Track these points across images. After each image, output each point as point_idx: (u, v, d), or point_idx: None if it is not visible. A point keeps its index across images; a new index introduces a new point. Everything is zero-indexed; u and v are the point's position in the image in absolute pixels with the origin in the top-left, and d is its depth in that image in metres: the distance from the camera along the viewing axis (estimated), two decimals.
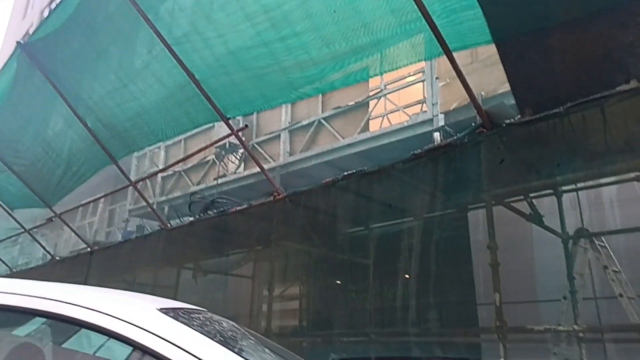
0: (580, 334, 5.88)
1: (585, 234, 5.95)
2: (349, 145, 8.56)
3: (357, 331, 7.88)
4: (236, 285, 11.94)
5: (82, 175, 10.45)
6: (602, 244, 5.96)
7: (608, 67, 4.10)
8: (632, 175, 5.45)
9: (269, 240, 7.86)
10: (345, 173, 6.69)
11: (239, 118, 9.84)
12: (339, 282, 10.03)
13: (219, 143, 10.23)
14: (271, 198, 7.58)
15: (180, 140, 13.73)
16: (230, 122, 7.54)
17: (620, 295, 5.64)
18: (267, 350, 2.18)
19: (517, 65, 4.47)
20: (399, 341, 7.18)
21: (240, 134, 8.26)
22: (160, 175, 13.88)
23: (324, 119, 9.71)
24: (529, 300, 7.25)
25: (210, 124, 10.51)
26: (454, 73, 4.90)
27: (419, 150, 5.69)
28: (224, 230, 9.17)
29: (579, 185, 6.16)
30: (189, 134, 12.19)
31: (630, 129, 4.32)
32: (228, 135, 8.15)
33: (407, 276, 7.45)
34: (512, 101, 4.79)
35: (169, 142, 13.97)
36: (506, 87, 4.80)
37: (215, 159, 12.29)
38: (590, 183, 6.17)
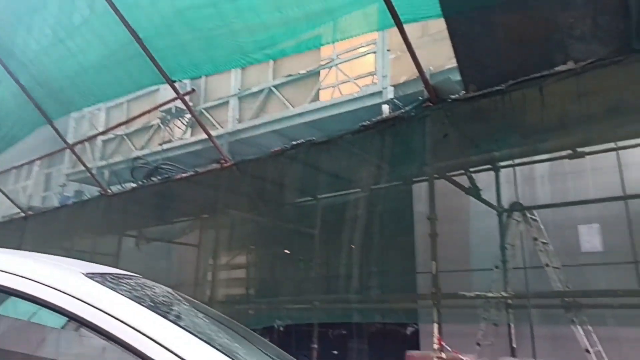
0: (509, 301, 6.31)
1: (519, 207, 6.29)
2: (299, 115, 8.48)
3: (302, 298, 8.02)
4: (181, 254, 11.78)
5: (14, 136, 9.80)
6: (533, 217, 6.33)
7: (548, 47, 4.26)
8: (564, 153, 5.77)
9: (215, 209, 7.76)
10: (294, 142, 6.66)
11: (186, 82, 9.46)
12: (285, 251, 10.12)
13: (164, 107, 9.84)
14: (218, 166, 7.44)
15: (123, 103, 13.08)
16: (176, 85, 7.25)
17: (547, 265, 6.06)
18: (201, 315, 2.16)
19: (464, 41, 4.54)
20: (341, 308, 7.39)
21: (187, 98, 7.97)
22: (100, 138, 13.21)
23: (275, 86, 9.53)
24: (464, 269, 7.65)
25: (155, 87, 10.05)
26: (404, 46, 4.93)
27: (368, 122, 5.73)
28: (168, 197, 8.94)
29: (516, 161, 6.48)
30: (132, 96, 11.63)
31: (564, 109, 4.54)
32: (174, 99, 7.85)
33: (352, 246, 7.63)
34: (459, 77, 4.89)
35: (110, 104, 13.27)
36: (453, 62, 4.88)
37: (160, 124, 11.82)
38: (526, 159, 6.51)
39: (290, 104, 9.20)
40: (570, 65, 4.19)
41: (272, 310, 8.05)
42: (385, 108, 7.08)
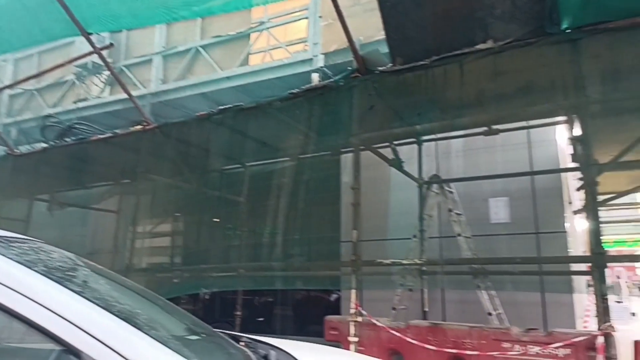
0: (423, 268, 6.67)
1: (438, 180, 6.59)
2: (228, 78, 8.17)
3: (228, 266, 7.96)
4: (99, 220, 11.19)
5: None
6: (450, 189, 6.67)
7: (471, 25, 4.39)
8: (480, 129, 6.07)
9: (136, 173, 7.38)
10: (222, 107, 6.45)
11: (105, 35, 8.75)
12: (211, 218, 9.93)
13: (79, 61, 9.05)
14: (140, 128, 7.05)
15: (34, 55, 11.90)
16: (93, 38, 6.67)
17: (459, 235, 6.46)
18: (103, 282, 2.05)
19: (393, 14, 4.56)
20: (266, 275, 7.44)
21: (105, 53, 7.37)
22: (7, 92, 11.98)
23: (202, 47, 9.07)
24: (385, 238, 7.96)
25: (70, 39, 9.23)
26: (336, 14, 4.86)
27: (297, 90, 5.66)
28: (84, 159, 8.37)
29: (433, 135, 6.75)
30: (43, 47, 10.61)
31: (481, 86, 4.75)
32: (90, 53, 7.22)
33: (279, 214, 7.65)
34: (387, 49, 4.93)
35: (19, 55, 12.03)
36: (383, 34, 4.91)
37: (75, 80, 10.89)
38: (446, 134, 6.79)
39: (219, 67, 8.84)
40: (489, 44, 4.36)
41: (198, 278, 7.92)
42: (315, 76, 7.02)
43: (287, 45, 8.12)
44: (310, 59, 7.36)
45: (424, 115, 5.31)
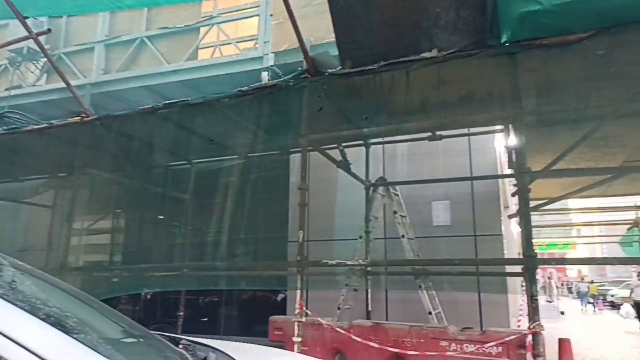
0: (368, 268, 6.80)
1: (384, 182, 6.74)
2: (174, 72, 7.93)
3: (171, 265, 7.73)
4: (32, 215, 10.54)
5: None
6: (395, 192, 6.84)
7: (417, 33, 4.53)
8: (425, 135, 6.27)
9: (74, 167, 7.01)
10: (167, 101, 6.26)
11: (43, 20, 8.25)
12: (154, 216, 9.61)
13: (13, 46, 8.48)
14: (78, 119, 6.69)
15: None
16: (29, 22, 6.26)
17: (403, 236, 6.63)
18: (29, 283, 1.93)
19: (342, 17, 4.62)
20: (211, 275, 7.30)
21: (42, 39, 6.94)
22: None
23: (148, 38, 8.75)
24: (332, 238, 8.05)
25: (4, 22, 8.63)
26: (287, 13, 4.85)
27: (246, 88, 5.59)
28: (16, 151, 7.84)
29: (380, 139, 6.91)
30: None
31: (426, 93, 4.91)
32: (25, 38, 6.77)
33: (225, 213, 7.53)
34: (337, 52, 4.99)
35: None
36: (333, 37, 4.96)
37: (8, 65, 10.19)
38: (391, 138, 6.96)
39: (165, 60, 8.57)
40: (434, 53, 4.51)
41: (139, 278, 7.63)
42: (265, 75, 6.98)
43: (237, 42, 8.01)
44: (261, 57, 7.30)
45: (372, 119, 5.41)
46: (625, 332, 13.57)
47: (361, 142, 6.72)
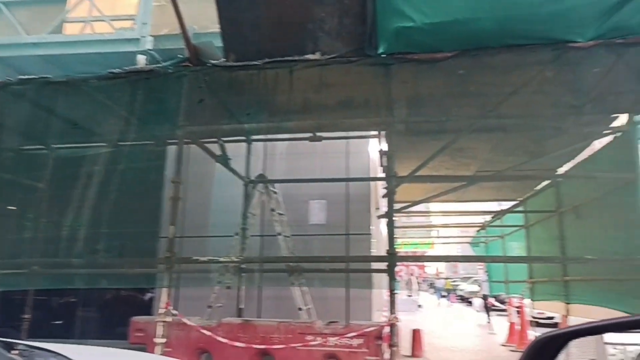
0: (242, 265, 6.74)
1: (263, 179, 6.74)
2: (35, 45, 6.98)
3: (17, 262, 6.80)
4: None
5: None
6: (274, 189, 6.88)
7: (302, 35, 4.61)
8: (305, 135, 6.40)
9: None
10: (24, 77, 5.53)
11: None
12: (1, 206, 8.38)
13: None
14: None
15: None
16: None
17: (279, 234, 6.70)
18: None
19: (228, 8, 4.51)
20: (66, 273, 6.59)
21: None
22: None
23: (4, 3, 7.59)
24: (209, 235, 7.82)
25: None
26: None
27: (119, 70, 5.17)
28: None
29: (261, 136, 6.91)
30: None
31: (308, 95, 5.02)
32: None
33: (88, 205, 6.85)
34: (221, 44, 4.85)
35: None
36: (218, 27, 4.81)
37: None
38: (273, 135, 7.00)
39: (24, 30, 7.52)
40: (317, 55, 4.63)
41: None
42: (141, 58, 6.51)
43: (111, 20, 7.33)
44: (137, 39, 6.79)
45: (254, 115, 5.38)
46: (474, 324, 15.39)
47: (242, 137, 6.63)
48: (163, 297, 4.45)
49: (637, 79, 5.12)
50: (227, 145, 6.15)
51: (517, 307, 10.63)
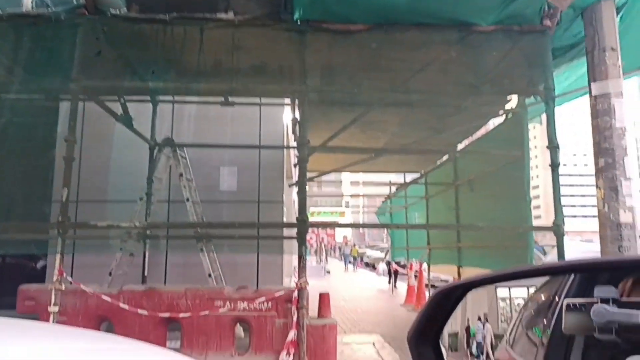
0: (147, 232, 6.46)
1: (171, 143, 6.43)
2: None
3: None
4: None
5: None
6: (182, 154, 6.61)
7: None
8: (217, 99, 6.18)
9: None
10: None
11: None
12: None
13: None
14: None
15: None
16: None
17: (187, 200, 6.48)
18: None
19: None
20: None
21: None
22: None
23: None
24: (109, 199, 7.35)
25: None
26: None
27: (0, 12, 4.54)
28: None
29: (168, 97, 6.56)
30: None
31: (220, 57, 4.82)
32: None
33: None
34: None
35: None
36: None
37: None
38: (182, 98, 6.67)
39: None
40: (230, 15, 4.43)
41: None
42: (28, 1, 5.77)
43: None
44: None
45: (160, 74, 5.04)
46: (377, 288, 16.34)
47: (147, 97, 6.23)
48: (56, 263, 4.14)
49: (529, 65, 5.61)
50: (132, 106, 5.75)
51: (416, 271, 11.49)
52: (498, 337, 1.51)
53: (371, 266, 28.73)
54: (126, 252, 6.29)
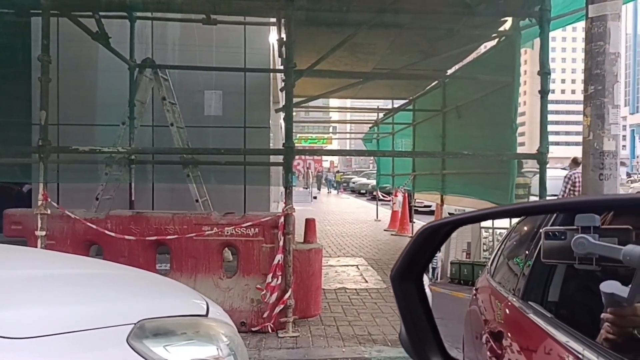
0: (132, 157, 6.38)
1: (151, 64, 6.15)
2: None
3: None
4: None
5: None
6: (164, 76, 6.36)
7: None
8: (199, 17, 5.84)
9: None
10: None
11: None
12: None
13: None
14: None
15: None
16: None
17: (172, 125, 6.34)
18: None
19: None
20: None
21: None
22: None
23: None
24: (90, 123, 7.18)
25: None
26: None
27: None
28: None
29: (149, 14, 6.18)
30: None
31: None
32: None
33: None
34: None
35: None
36: None
37: None
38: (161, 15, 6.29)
39: None
40: None
41: None
42: None
43: None
44: None
45: None
46: (363, 213, 16.73)
47: (124, 14, 5.85)
48: (40, 189, 4.09)
49: None
50: (113, 25, 5.41)
51: (401, 198, 11.75)
52: (480, 266, 1.54)
53: (358, 192, 29.30)
54: (111, 178, 6.24)
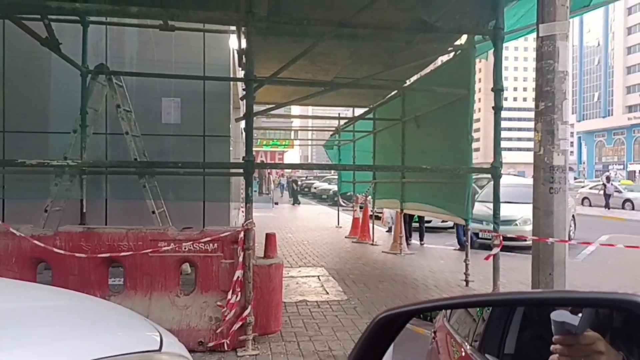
0: (84, 168, 6.10)
1: (105, 70, 5.92)
2: None
3: None
4: None
5: None
6: (119, 83, 6.13)
7: None
8: (155, 23, 5.67)
9: None
10: None
11: None
12: None
13: None
14: None
15: None
16: None
17: (127, 133, 6.11)
18: None
19: None
20: None
21: None
22: None
23: None
24: (39, 131, 6.83)
25: None
26: None
27: None
28: None
29: (101, 18, 5.96)
30: None
31: None
32: None
33: None
34: None
35: None
36: None
37: None
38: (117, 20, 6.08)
39: None
40: None
41: None
42: None
43: None
44: None
45: None
46: (325, 220, 16.75)
47: (76, 18, 5.60)
48: None
49: (480, 2, 5.52)
50: (66, 31, 5.15)
51: (361, 205, 11.83)
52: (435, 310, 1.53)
53: (319, 198, 29.37)
54: (61, 189, 5.94)
